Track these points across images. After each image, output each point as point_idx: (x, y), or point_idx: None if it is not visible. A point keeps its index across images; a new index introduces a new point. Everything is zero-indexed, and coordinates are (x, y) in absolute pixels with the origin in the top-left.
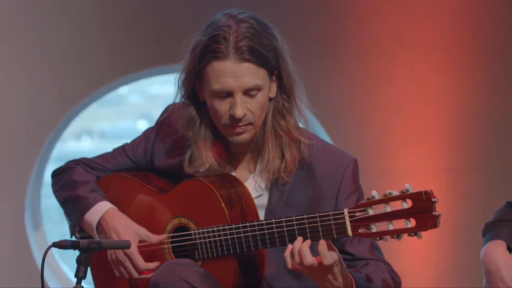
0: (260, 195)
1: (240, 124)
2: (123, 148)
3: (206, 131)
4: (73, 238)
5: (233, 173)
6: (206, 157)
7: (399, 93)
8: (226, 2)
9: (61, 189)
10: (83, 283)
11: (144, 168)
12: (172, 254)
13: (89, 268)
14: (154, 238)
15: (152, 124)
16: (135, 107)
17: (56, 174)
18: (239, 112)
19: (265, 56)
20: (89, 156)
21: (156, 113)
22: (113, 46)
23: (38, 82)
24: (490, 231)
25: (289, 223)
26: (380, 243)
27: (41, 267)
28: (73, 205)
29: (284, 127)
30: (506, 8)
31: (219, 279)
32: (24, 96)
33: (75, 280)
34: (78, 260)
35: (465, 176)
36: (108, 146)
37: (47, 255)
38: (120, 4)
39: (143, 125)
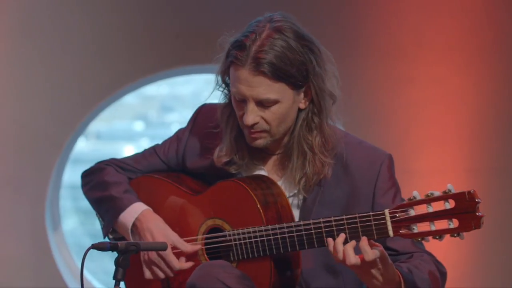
0: (293, 195)
1: (252, 130)
2: (154, 149)
3: (233, 125)
4: (106, 239)
5: (264, 172)
6: (231, 150)
7: (419, 94)
8: (244, 4)
9: (92, 190)
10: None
11: (176, 169)
12: (206, 255)
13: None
14: (188, 247)
15: (147, 125)
16: (130, 107)
17: (86, 174)
18: (248, 120)
19: (285, 70)
20: (85, 155)
21: (152, 114)
22: (133, 46)
23: (58, 83)
24: None
25: (327, 224)
26: None
27: (81, 268)
28: (107, 205)
29: (309, 142)
30: None
31: (255, 280)
32: (45, 97)
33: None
34: (117, 262)
35: (485, 176)
36: (104, 147)
37: (69, 257)
38: (141, 4)
39: (139, 126)
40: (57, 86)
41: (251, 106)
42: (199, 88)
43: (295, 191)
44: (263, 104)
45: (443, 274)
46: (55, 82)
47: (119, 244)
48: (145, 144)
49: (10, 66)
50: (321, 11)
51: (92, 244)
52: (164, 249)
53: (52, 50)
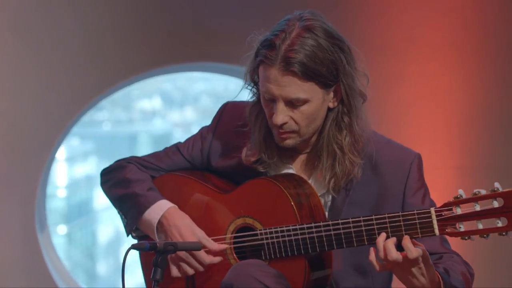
0: (321, 194)
1: (281, 130)
2: (177, 147)
3: (262, 124)
4: (130, 236)
5: (292, 171)
6: (260, 149)
7: (410, 91)
8: (235, 3)
9: (114, 187)
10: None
11: (200, 168)
12: (234, 254)
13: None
14: (215, 245)
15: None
16: None
17: (106, 172)
18: (277, 119)
19: (315, 69)
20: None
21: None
22: (124, 45)
23: (49, 82)
24: None
25: (368, 222)
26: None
27: (122, 269)
28: (130, 202)
29: (339, 141)
30: None
31: (289, 279)
32: (35, 96)
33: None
34: (155, 263)
35: (475, 174)
36: None
37: (51, 257)
38: (132, 2)
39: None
40: (47, 85)
41: (281, 106)
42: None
43: (324, 191)
44: (292, 103)
45: (472, 276)
46: (46, 81)
47: (158, 244)
48: (75, 143)
49: None
50: (312, 9)
51: (132, 245)
52: (199, 249)
53: (42, 48)
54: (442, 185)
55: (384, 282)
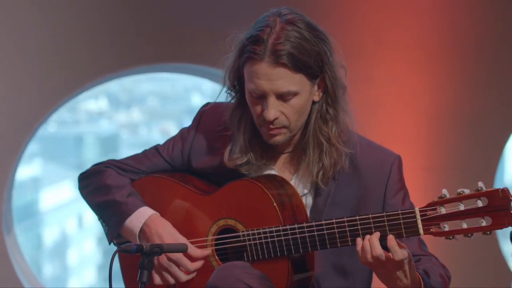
0: (303, 195)
1: (272, 126)
2: (156, 149)
3: (246, 126)
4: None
5: (274, 172)
6: (245, 151)
7: (378, 92)
8: (205, 3)
9: (93, 193)
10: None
11: (180, 169)
12: (216, 256)
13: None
14: (198, 252)
15: None
16: None
17: (84, 177)
18: (269, 115)
19: (303, 61)
20: None
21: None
22: (91, 46)
23: (15, 84)
24: None
25: (351, 223)
26: None
27: (109, 270)
28: (111, 210)
29: (325, 133)
30: (484, 8)
31: (272, 280)
32: (1, 98)
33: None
34: (142, 265)
35: (442, 175)
36: None
37: (17, 259)
38: (99, 3)
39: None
40: (14, 87)
41: (272, 100)
42: None
43: (306, 191)
44: (283, 97)
45: (449, 279)
46: (12, 83)
47: (144, 246)
48: None
49: None
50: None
51: (119, 247)
52: (185, 250)
53: (8, 50)
54: (410, 186)
55: (365, 282)
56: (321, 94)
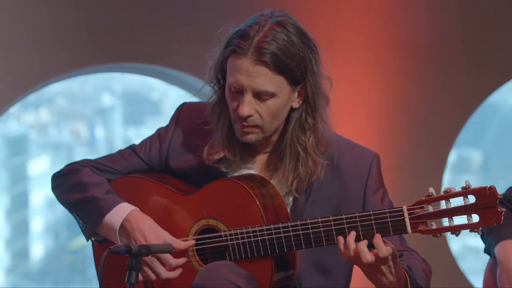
0: (283, 195)
1: (245, 123)
2: (132, 149)
3: (225, 121)
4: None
5: (253, 171)
6: (223, 147)
7: (330, 92)
8: (158, 2)
9: (68, 192)
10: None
11: (158, 169)
12: (196, 256)
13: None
14: (182, 244)
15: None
16: None
17: (58, 176)
18: (243, 110)
19: (286, 64)
20: None
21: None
22: (42, 45)
23: None
24: (497, 230)
25: (338, 222)
26: None
27: (100, 271)
28: (89, 207)
29: (302, 142)
30: (433, 8)
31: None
32: None
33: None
34: (130, 266)
35: (394, 174)
36: None
37: None
38: (51, 2)
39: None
40: None
41: (248, 97)
42: None
43: (286, 192)
44: (260, 96)
45: (430, 273)
46: None
47: (132, 247)
48: None
49: None
50: (228, 12)
51: (109, 248)
52: (170, 251)
53: None
54: None
55: (346, 281)
56: (301, 102)
